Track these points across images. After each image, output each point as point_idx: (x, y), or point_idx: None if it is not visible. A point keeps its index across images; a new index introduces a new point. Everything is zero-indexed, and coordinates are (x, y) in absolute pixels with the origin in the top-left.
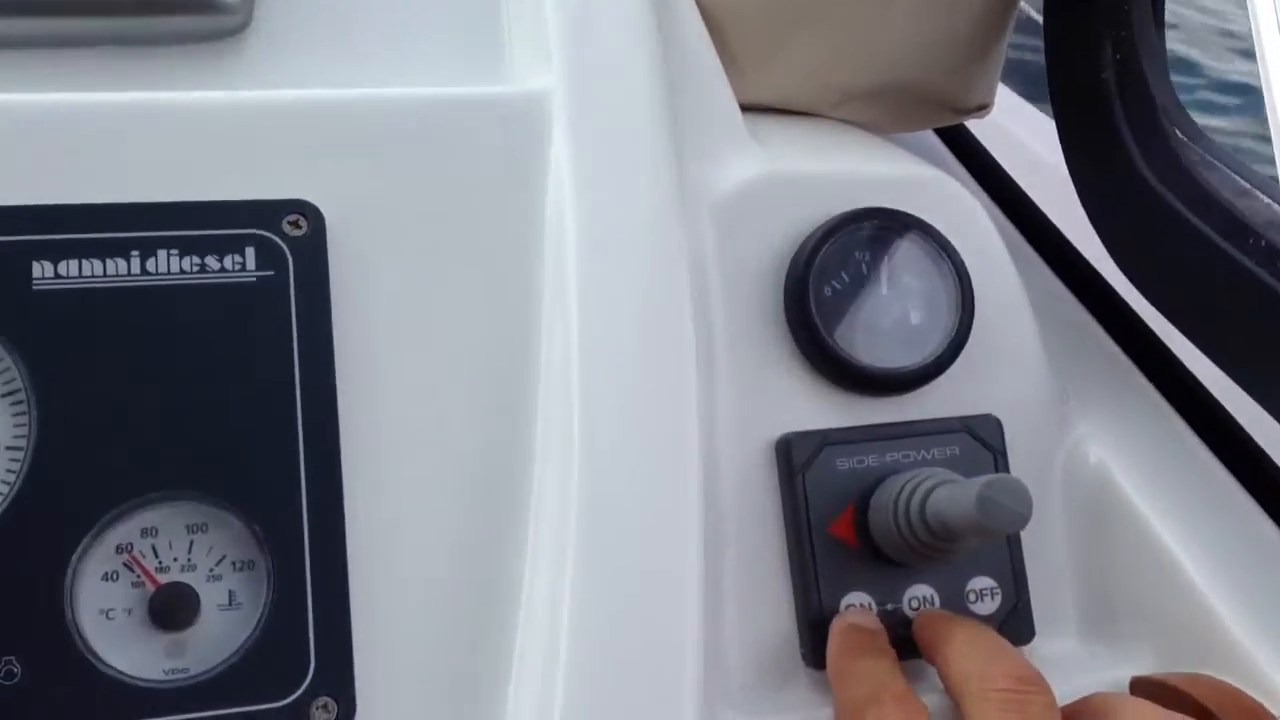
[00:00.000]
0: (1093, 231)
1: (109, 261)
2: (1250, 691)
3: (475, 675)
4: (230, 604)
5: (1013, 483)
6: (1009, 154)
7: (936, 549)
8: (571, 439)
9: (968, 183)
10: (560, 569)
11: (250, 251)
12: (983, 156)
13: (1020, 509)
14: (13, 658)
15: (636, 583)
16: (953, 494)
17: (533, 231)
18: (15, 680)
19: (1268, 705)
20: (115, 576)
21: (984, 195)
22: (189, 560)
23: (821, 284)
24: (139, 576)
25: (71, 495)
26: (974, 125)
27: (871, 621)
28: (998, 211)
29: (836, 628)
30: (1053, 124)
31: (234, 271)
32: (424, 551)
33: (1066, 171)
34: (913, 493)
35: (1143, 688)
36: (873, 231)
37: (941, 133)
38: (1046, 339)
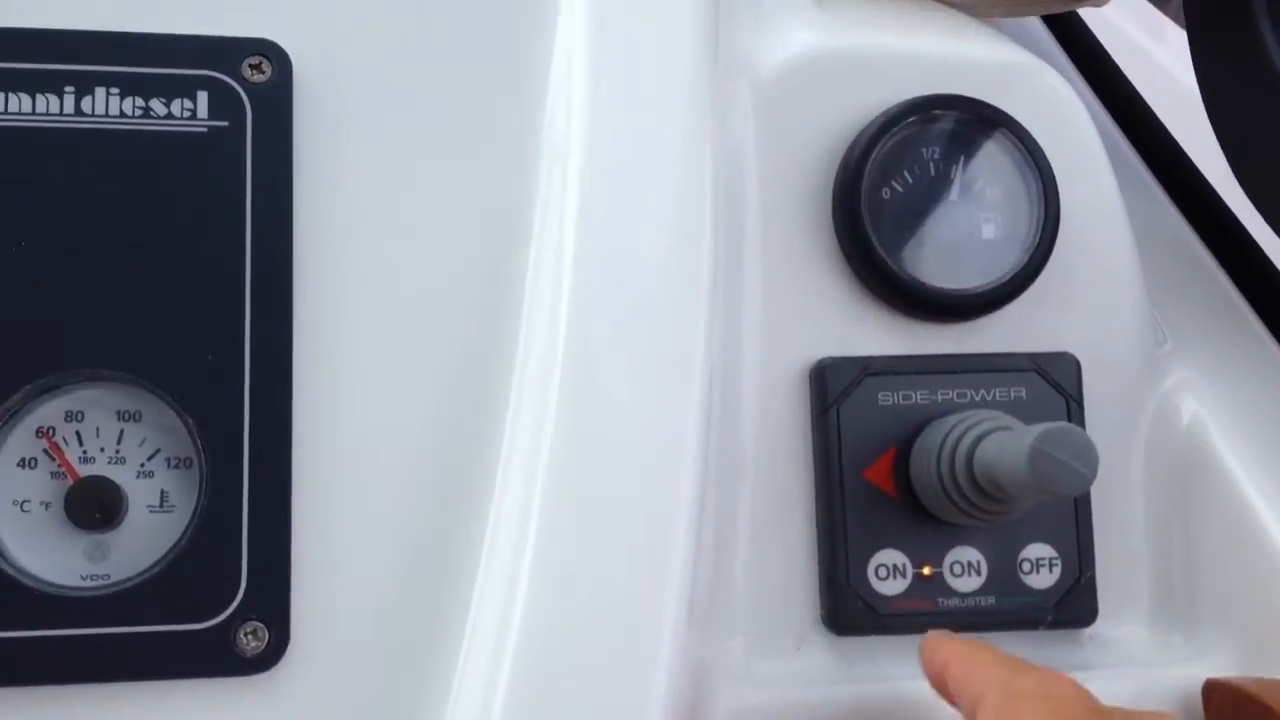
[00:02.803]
0: (1218, 146)
1: (39, 97)
2: None
3: (429, 613)
4: (161, 505)
5: (1074, 434)
6: (1128, 59)
7: (984, 509)
8: (556, 343)
9: (1074, 80)
10: (529, 496)
11: (203, 97)
12: (1094, 50)
13: (1081, 467)
14: None
15: (614, 519)
16: (1004, 444)
17: (535, 91)
18: None
19: None
20: (33, 463)
21: (1092, 96)
22: (117, 452)
23: (878, 184)
24: (59, 466)
25: None
26: (1089, 16)
27: None
28: (1106, 116)
29: None
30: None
31: (182, 119)
32: (382, 467)
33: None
34: (960, 439)
35: (1218, 692)
36: (945, 125)
37: (1049, 21)
38: (1146, 268)
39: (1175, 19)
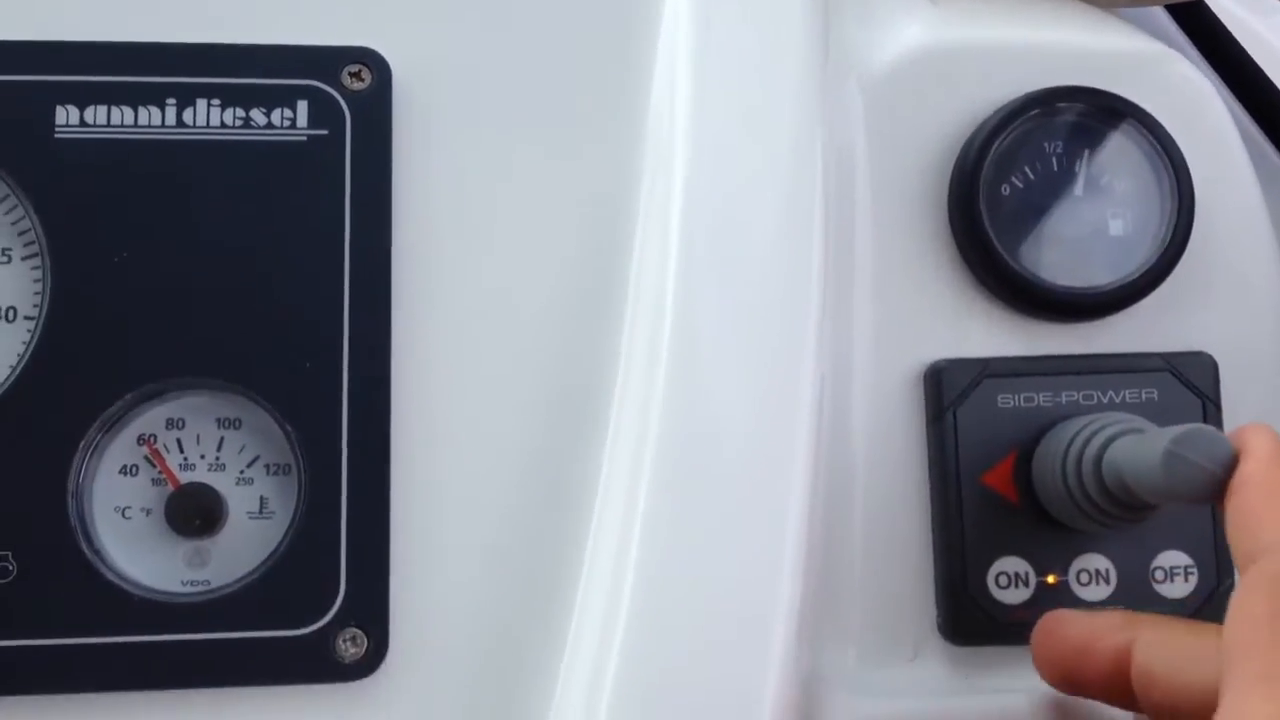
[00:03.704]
0: None
1: (141, 110)
2: None
3: (530, 620)
4: (261, 511)
5: (1211, 437)
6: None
7: (1113, 514)
8: (660, 346)
9: (1204, 71)
10: (633, 501)
11: (302, 106)
12: (1225, 40)
13: (1218, 471)
14: (8, 553)
15: (721, 525)
16: (1136, 447)
17: (637, 95)
18: (9, 578)
19: None
20: (134, 471)
21: (1223, 87)
22: (217, 459)
23: (997, 180)
24: (159, 473)
25: (85, 373)
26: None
27: None
28: (1239, 108)
29: None
30: None
31: (282, 128)
32: (481, 472)
33: None
34: (1087, 442)
35: None
36: (1069, 117)
37: (1175, 11)
38: None
39: None
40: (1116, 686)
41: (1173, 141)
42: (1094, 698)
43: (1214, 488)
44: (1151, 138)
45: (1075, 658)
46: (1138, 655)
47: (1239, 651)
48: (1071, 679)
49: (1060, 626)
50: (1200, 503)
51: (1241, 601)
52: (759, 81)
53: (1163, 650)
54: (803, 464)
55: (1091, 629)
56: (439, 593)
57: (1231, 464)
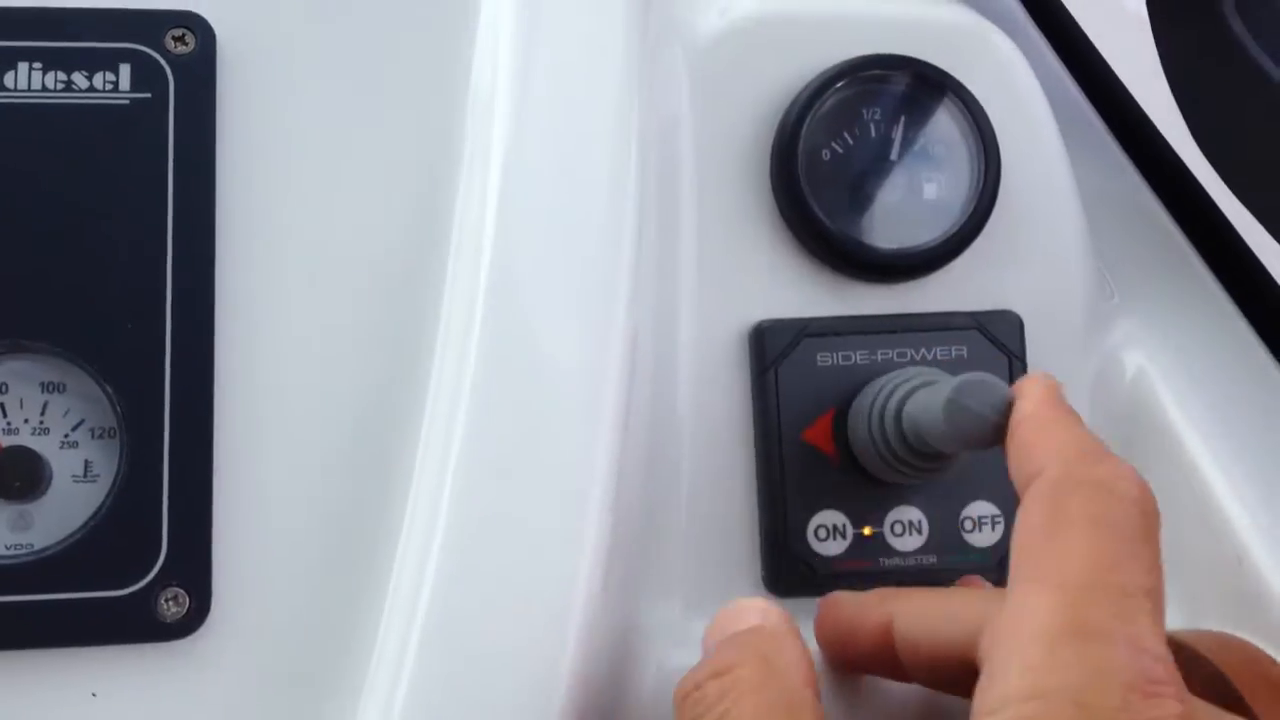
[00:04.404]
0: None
1: None
2: None
3: (351, 582)
4: (85, 475)
5: (988, 384)
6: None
7: (916, 465)
8: (475, 307)
9: (1039, 44)
10: (445, 463)
11: (125, 69)
12: (1057, 13)
13: (994, 416)
14: None
15: (529, 482)
16: (927, 398)
17: (459, 63)
18: None
19: None
20: None
21: (1055, 59)
22: (41, 423)
23: (818, 146)
24: None
25: None
26: None
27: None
28: (1070, 80)
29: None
30: None
31: (104, 92)
32: (305, 436)
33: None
34: (889, 397)
35: None
36: (885, 85)
37: None
38: (1103, 227)
39: None
40: (884, 659)
41: (981, 109)
42: (869, 672)
43: (993, 432)
44: (962, 105)
45: (846, 637)
46: (898, 624)
47: (1018, 558)
48: (846, 658)
49: (833, 609)
50: (983, 447)
51: (1022, 514)
52: (578, 50)
53: (919, 616)
54: (612, 418)
55: (857, 608)
56: (262, 551)
57: (1007, 409)
